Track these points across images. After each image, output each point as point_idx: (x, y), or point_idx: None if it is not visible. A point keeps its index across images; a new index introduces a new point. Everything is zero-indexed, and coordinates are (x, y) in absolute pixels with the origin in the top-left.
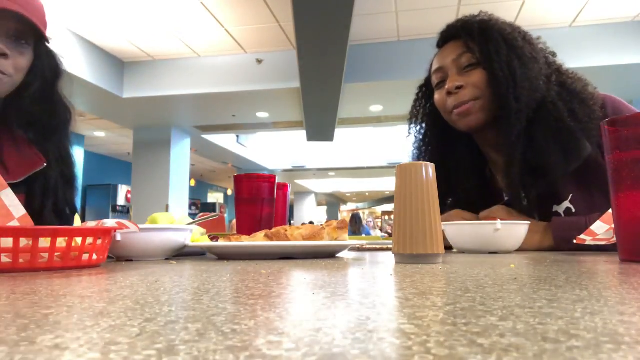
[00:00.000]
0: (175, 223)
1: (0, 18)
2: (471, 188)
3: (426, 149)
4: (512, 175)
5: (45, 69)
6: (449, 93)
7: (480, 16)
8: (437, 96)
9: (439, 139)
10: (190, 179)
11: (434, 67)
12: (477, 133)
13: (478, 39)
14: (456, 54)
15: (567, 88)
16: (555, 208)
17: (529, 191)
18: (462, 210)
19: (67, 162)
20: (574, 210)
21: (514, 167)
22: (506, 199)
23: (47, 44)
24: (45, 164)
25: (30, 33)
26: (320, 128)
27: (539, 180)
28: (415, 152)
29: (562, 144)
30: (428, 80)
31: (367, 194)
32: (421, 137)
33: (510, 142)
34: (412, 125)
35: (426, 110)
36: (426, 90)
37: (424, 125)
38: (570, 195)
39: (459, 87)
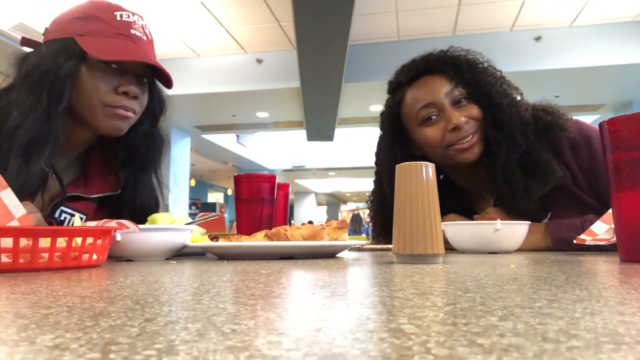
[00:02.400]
0: (175, 223)
1: (133, 65)
2: (447, 209)
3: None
4: (515, 196)
5: (155, 105)
6: (454, 128)
7: (452, 50)
8: (431, 132)
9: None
10: (190, 179)
11: (422, 101)
12: (455, 168)
13: (465, 72)
14: (446, 88)
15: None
16: None
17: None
18: (458, 215)
19: (149, 195)
20: None
21: (515, 188)
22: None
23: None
24: (119, 191)
25: (150, 72)
26: (320, 128)
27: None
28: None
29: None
30: (392, 117)
31: (367, 194)
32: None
33: (510, 165)
34: (382, 164)
35: (398, 145)
36: (394, 129)
37: (394, 162)
38: (549, 214)
39: (465, 122)
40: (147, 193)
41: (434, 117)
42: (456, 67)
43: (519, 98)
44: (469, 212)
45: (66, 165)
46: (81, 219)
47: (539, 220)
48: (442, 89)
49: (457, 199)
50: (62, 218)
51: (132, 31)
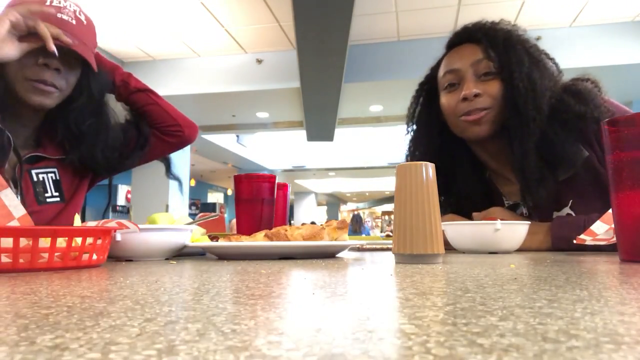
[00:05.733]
0: (175, 223)
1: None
2: (472, 192)
3: (424, 151)
4: (528, 182)
5: (92, 84)
6: (465, 99)
7: (502, 24)
8: (446, 99)
9: (438, 141)
10: (190, 179)
11: (448, 67)
12: (477, 143)
13: (501, 47)
14: (475, 58)
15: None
16: (556, 215)
17: (541, 195)
18: (455, 215)
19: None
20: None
21: (529, 173)
22: (506, 203)
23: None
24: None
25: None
26: (320, 128)
27: (548, 183)
28: (407, 154)
29: (574, 139)
30: (430, 78)
31: (367, 194)
32: (418, 137)
33: (524, 150)
34: (411, 124)
35: (427, 110)
36: (428, 89)
37: (421, 125)
38: (570, 201)
39: (476, 95)
40: (108, 149)
41: (455, 84)
42: (493, 40)
43: (553, 83)
44: (494, 195)
45: (18, 137)
46: (55, 174)
47: (559, 210)
48: (470, 58)
49: (480, 178)
50: (40, 179)
51: (60, 15)
